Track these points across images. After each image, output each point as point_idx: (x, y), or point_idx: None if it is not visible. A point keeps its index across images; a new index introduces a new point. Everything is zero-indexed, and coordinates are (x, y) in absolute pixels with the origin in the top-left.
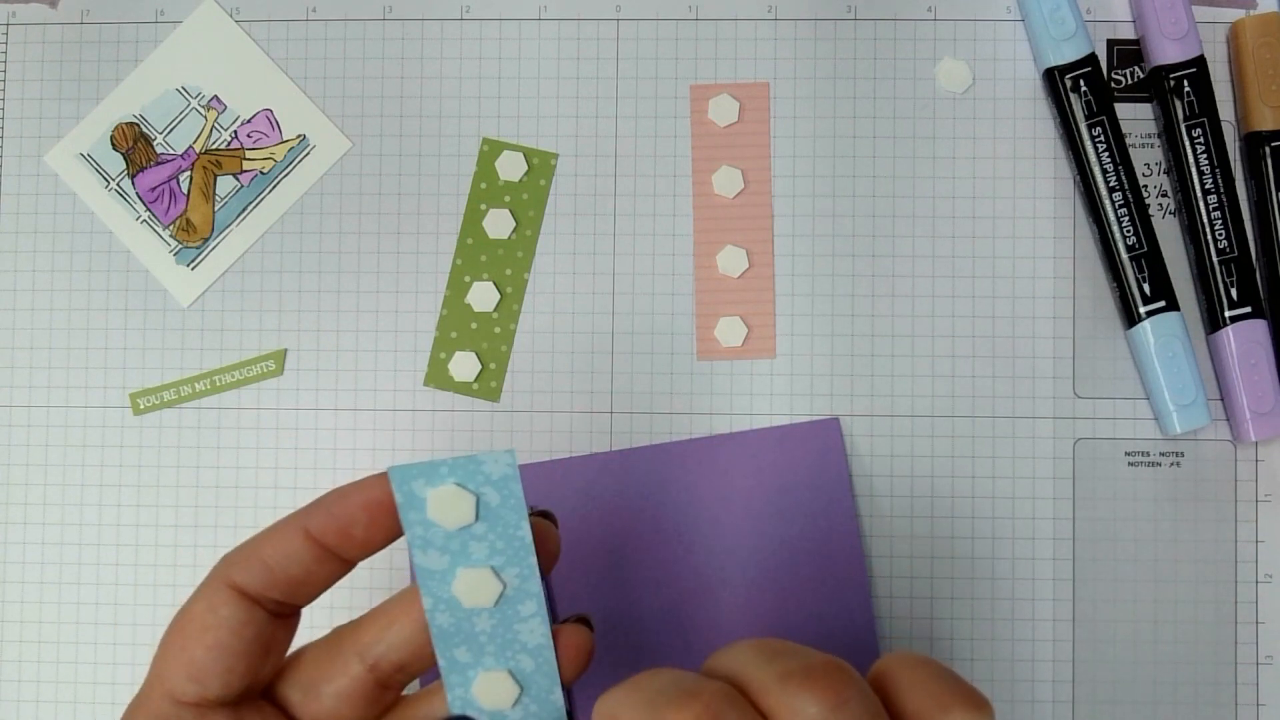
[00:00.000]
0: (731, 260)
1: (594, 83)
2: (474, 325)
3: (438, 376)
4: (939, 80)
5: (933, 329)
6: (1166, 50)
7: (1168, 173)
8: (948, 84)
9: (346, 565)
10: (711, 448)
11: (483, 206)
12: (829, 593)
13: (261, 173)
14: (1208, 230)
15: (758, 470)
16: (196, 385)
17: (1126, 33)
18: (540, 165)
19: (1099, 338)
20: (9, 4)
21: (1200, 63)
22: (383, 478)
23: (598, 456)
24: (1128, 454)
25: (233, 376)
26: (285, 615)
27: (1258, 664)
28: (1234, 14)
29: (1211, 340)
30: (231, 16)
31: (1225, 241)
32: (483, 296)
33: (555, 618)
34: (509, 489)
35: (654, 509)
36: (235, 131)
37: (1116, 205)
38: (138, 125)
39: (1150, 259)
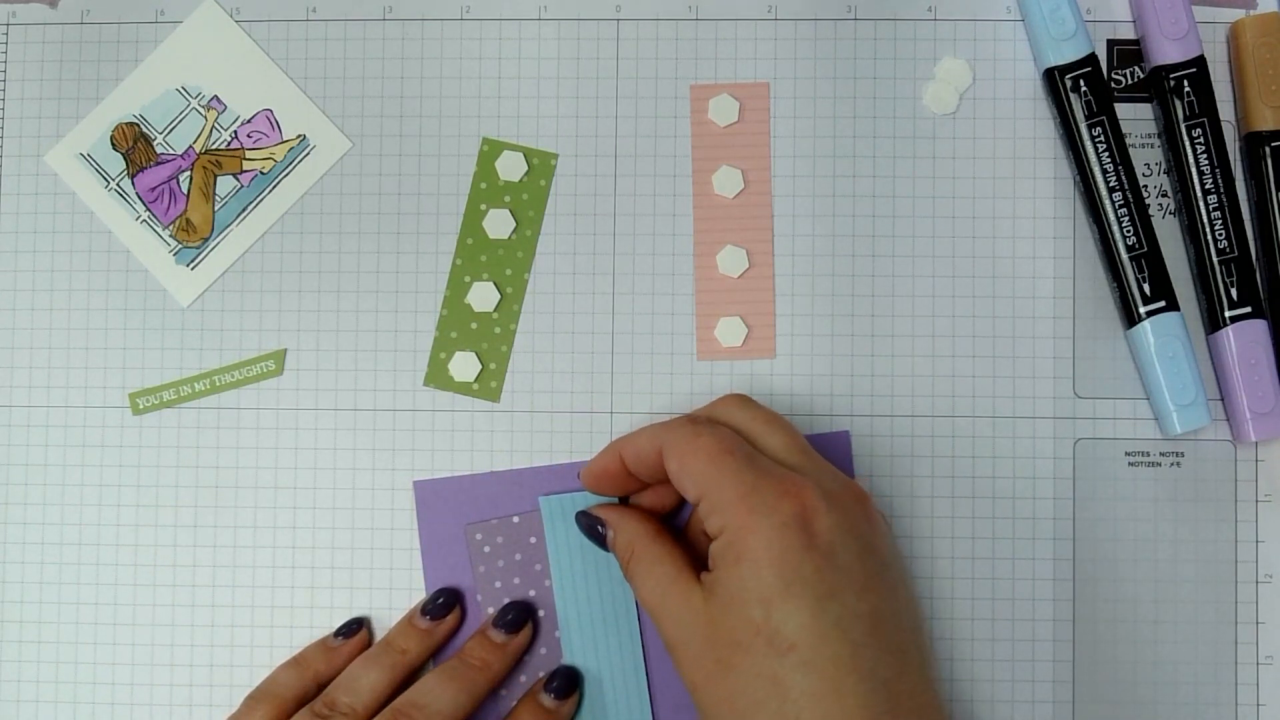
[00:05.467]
0: (731, 260)
1: (594, 83)
2: (474, 325)
3: (438, 376)
4: (928, 101)
5: (933, 329)
6: (1166, 50)
7: (1168, 173)
8: (935, 106)
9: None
10: None
11: (483, 206)
12: None
13: (261, 173)
14: (1208, 230)
15: None
16: (196, 385)
17: (1126, 33)
18: (540, 165)
19: (1099, 338)
20: (9, 4)
21: (1200, 63)
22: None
23: None
24: (1128, 454)
25: (233, 376)
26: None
27: (1258, 664)
28: (1234, 14)
29: (1211, 340)
30: (231, 16)
31: (1225, 241)
32: (483, 296)
33: None
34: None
35: (662, 516)
36: (235, 131)
37: (1116, 205)
38: (138, 125)
39: (1150, 259)
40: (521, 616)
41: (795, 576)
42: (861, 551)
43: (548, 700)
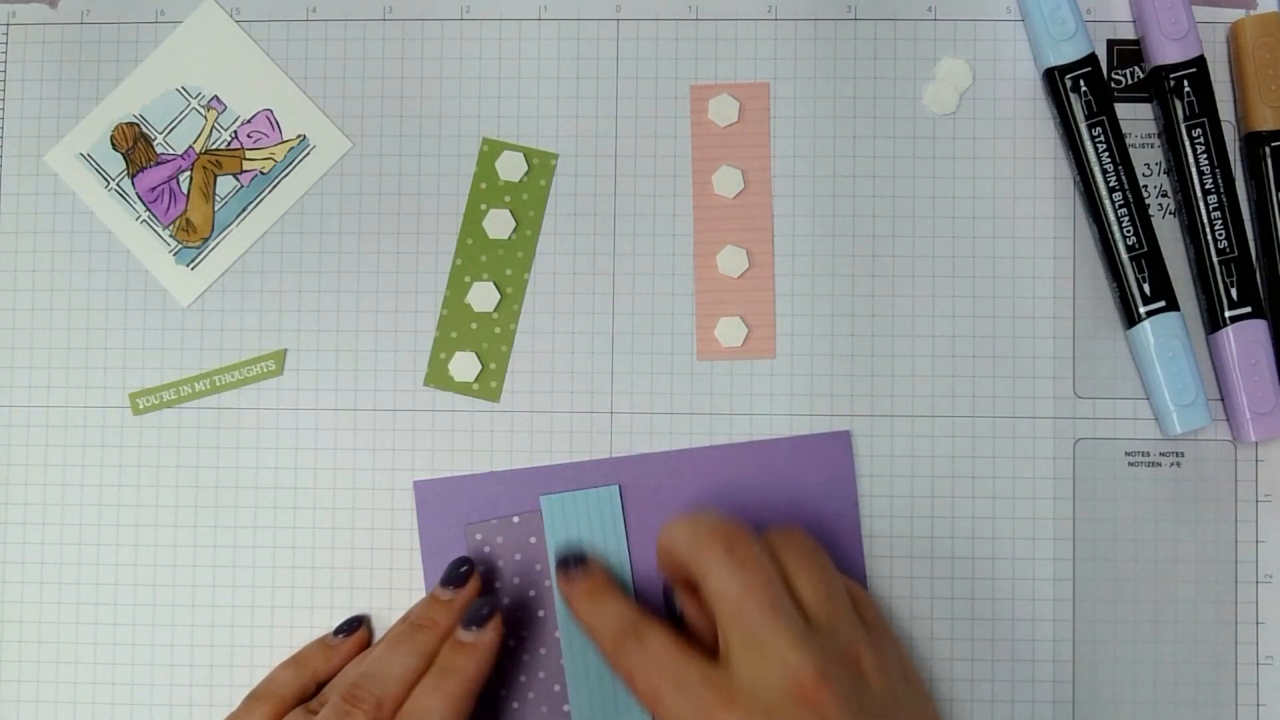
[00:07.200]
0: (731, 260)
1: (594, 83)
2: (474, 325)
3: (438, 376)
4: (928, 101)
5: (933, 329)
6: (1166, 50)
7: (1168, 173)
8: (935, 106)
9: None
10: (721, 457)
11: (483, 206)
12: None
13: (261, 173)
14: (1208, 230)
15: (768, 481)
16: (196, 385)
17: (1126, 33)
18: (540, 165)
19: (1099, 338)
20: (9, 4)
21: (1200, 63)
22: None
23: (608, 461)
24: (1128, 454)
25: (233, 376)
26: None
27: (1258, 664)
28: (1234, 14)
29: (1211, 340)
30: (231, 16)
31: (1225, 241)
32: (483, 296)
33: None
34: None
35: (662, 516)
36: (235, 131)
37: (1116, 205)
38: (138, 125)
39: (1150, 259)
40: (467, 571)
41: None
42: None
43: (467, 635)
